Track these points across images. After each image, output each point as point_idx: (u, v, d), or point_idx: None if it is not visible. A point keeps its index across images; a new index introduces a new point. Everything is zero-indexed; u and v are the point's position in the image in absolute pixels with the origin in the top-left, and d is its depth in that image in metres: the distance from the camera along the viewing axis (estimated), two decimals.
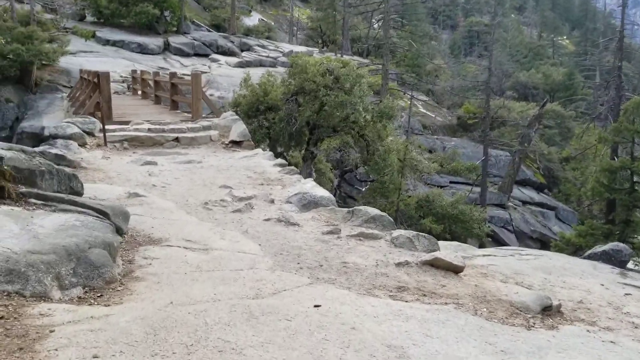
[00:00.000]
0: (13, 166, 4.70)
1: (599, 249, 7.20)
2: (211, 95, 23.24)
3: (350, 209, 6.61)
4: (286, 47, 41.68)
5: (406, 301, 4.22)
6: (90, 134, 11.36)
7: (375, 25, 46.97)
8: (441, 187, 24.98)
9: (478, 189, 26.12)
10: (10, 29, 22.06)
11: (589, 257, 7.02)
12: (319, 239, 5.64)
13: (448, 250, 5.70)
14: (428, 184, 24.25)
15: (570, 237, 16.68)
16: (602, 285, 5.57)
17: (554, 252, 7.98)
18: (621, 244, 7.41)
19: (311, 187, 7.65)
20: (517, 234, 25.65)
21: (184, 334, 3.07)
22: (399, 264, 4.99)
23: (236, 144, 11.97)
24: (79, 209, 4.68)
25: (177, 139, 11.99)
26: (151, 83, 19.08)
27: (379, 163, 16.79)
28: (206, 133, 12.60)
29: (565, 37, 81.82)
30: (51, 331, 2.95)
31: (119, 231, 4.86)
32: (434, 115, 36.21)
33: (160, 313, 3.31)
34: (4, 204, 4.40)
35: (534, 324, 4.21)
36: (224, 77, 28.33)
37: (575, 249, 14.98)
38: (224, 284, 4.05)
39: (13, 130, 22.11)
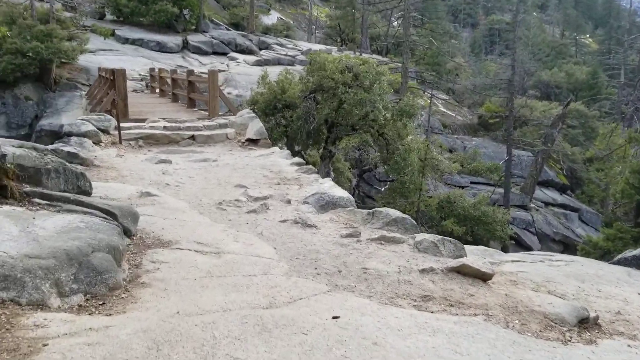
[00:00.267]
0: (17, 164, 4.48)
1: (629, 253, 6.79)
2: (229, 93, 23.09)
3: (371, 210, 6.28)
4: (304, 45, 41.45)
5: (432, 312, 3.90)
6: (105, 131, 11.19)
7: (395, 23, 46.53)
8: (462, 187, 24.50)
9: (500, 190, 25.57)
10: (30, 27, 22.14)
11: (619, 262, 6.62)
12: (338, 243, 5.34)
13: (475, 256, 5.36)
14: (448, 184, 23.76)
15: (598, 240, 16.11)
16: None
17: (586, 258, 7.57)
18: None
19: (329, 187, 7.35)
20: (540, 236, 25.05)
21: (189, 349, 2.79)
22: (423, 271, 4.66)
23: (253, 142, 11.73)
24: (85, 209, 4.44)
25: (192, 137, 11.79)
26: (169, 81, 18.96)
27: (399, 162, 16.44)
28: (222, 131, 12.37)
29: (588, 36, 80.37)
30: (44, 345, 2.69)
31: (127, 233, 4.62)
32: (454, 114, 35.67)
33: (165, 325, 3.04)
34: (6, 203, 4.17)
35: (571, 338, 3.87)
36: (242, 75, 28.19)
37: (603, 253, 14.46)
38: (235, 291, 3.77)
39: (32, 128, 22.24)
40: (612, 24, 73.14)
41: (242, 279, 4.07)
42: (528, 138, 31.37)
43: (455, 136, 31.92)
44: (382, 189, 21.12)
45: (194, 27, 36.43)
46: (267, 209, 6.47)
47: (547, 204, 28.28)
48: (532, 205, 26.85)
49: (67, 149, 8.64)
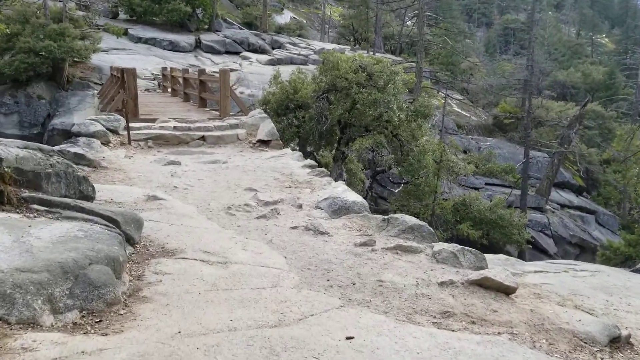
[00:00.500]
0: (15, 168, 4.26)
1: None
2: (241, 93, 22.90)
3: (386, 217, 5.99)
4: (317, 44, 41.20)
5: (453, 330, 3.62)
6: (114, 131, 11.00)
7: (409, 23, 46.09)
8: (476, 189, 24.09)
9: (515, 192, 25.11)
10: (42, 26, 22.09)
11: None
12: (351, 252, 5.06)
13: (496, 267, 5.06)
14: (462, 185, 23.35)
15: (619, 246, 15.61)
16: None
17: (612, 268, 7.24)
18: None
19: (342, 191, 7.06)
20: (556, 239, 24.56)
21: None
22: (442, 284, 4.38)
23: (264, 143, 11.46)
24: (86, 216, 4.21)
25: (203, 138, 11.56)
26: (180, 80, 18.77)
27: (413, 164, 16.09)
28: (233, 132, 12.13)
29: (604, 35, 79.30)
30: None
31: (129, 241, 4.38)
32: (468, 115, 35.20)
33: (165, 348, 2.79)
34: (2, 210, 3.96)
35: (602, 359, 3.59)
36: (255, 74, 27.96)
37: (624, 259, 14.04)
38: (242, 307, 3.52)
39: (45, 127, 22.19)
40: (629, 23, 72.15)
41: (249, 292, 3.82)
42: (544, 139, 30.85)
43: (470, 137, 31.47)
44: (396, 191, 20.78)
45: (206, 27, 36.33)
46: (278, 214, 6.22)
47: (563, 206, 27.77)
48: (547, 207, 26.36)
49: (74, 150, 8.44)
